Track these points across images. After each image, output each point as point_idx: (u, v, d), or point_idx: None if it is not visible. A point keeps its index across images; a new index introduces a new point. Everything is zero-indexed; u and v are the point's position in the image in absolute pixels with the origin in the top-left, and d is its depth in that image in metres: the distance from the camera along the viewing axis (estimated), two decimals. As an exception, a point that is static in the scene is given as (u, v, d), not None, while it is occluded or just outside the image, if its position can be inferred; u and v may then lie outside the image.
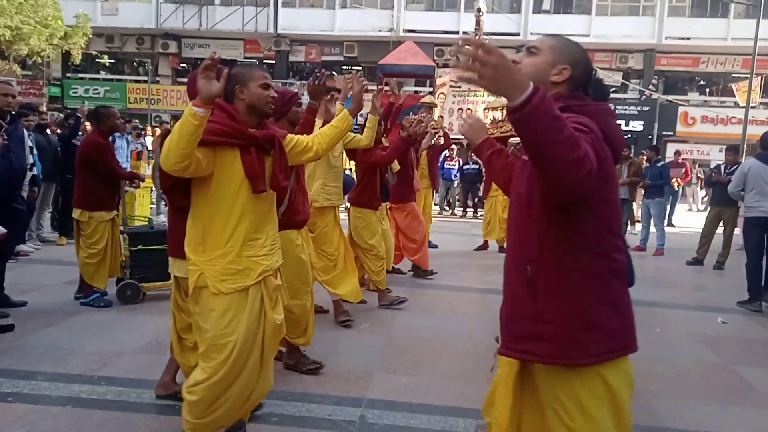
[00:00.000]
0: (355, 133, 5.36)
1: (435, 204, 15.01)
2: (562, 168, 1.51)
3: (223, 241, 2.65)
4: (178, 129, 2.38)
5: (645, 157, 10.64)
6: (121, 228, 5.65)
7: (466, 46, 1.43)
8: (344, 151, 5.44)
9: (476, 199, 15.21)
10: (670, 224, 13.24)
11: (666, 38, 25.21)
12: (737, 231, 11.74)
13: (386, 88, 6.05)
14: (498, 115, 10.08)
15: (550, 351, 1.78)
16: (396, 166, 6.23)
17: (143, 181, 6.05)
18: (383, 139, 6.04)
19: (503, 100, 7.22)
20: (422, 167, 9.07)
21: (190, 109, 2.37)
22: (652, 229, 10.31)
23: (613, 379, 1.80)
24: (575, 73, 1.91)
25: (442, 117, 14.61)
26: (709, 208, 9.78)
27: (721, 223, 9.21)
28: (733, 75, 26.19)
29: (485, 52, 1.42)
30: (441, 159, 14.76)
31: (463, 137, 3.43)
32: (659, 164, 10.45)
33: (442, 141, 9.75)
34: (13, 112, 5.18)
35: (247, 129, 2.72)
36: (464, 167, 15.34)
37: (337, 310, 5.19)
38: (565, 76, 1.90)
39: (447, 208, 16.07)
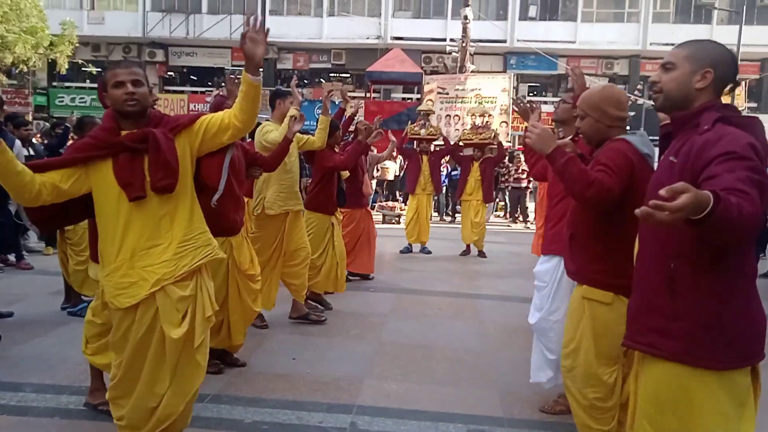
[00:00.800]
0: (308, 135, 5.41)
1: (435, 211, 15.09)
2: (737, 241, 1.65)
3: (114, 255, 2.57)
4: None
5: None
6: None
7: (658, 216, 1.45)
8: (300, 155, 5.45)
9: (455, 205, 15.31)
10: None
11: (651, 44, 25.50)
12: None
13: (333, 91, 6.06)
14: (478, 121, 10.16)
15: (677, 348, 1.79)
16: (345, 173, 6.21)
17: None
18: (336, 146, 6.01)
19: (484, 107, 7.32)
20: (425, 173, 9.13)
21: None
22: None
23: (729, 391, 1.79)
24: (719, 73, 1.92)
25: (438, 126, 14.66)
26: None
27: None
28: (717, 80, 26.47)
29: (678, 210, 1.44)
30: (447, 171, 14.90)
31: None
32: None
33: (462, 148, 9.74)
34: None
35: (112, 135, 2.56)
36: (452, 173, 15.39)
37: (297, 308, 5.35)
38: (708, 80, 1.91)
39: (436, 213, 16.09)
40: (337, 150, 6.00)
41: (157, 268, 2.56)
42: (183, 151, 2.64)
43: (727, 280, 1.77)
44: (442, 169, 15.55)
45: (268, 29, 2.65)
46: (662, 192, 1.46)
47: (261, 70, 2.72)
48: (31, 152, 7.55)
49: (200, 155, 2.75)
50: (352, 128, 7.04)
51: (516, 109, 3.97)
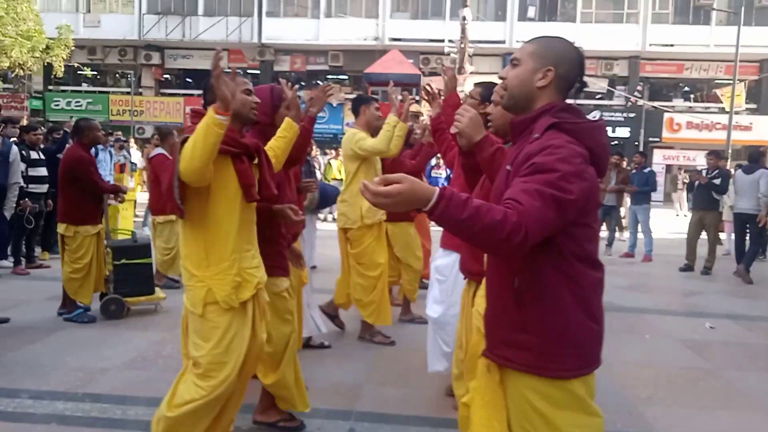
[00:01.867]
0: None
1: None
2: (489, 247, 1.68)
3: (227, 253, 2.60)
4: (202, 138, 2.35)
5: (634, 163, 10.73)
6: (105, 242, 5.62)
7: (366, 193, 1.54)
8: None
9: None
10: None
11: (650, 45, 25.59)
12: (723, 236, 11.93)
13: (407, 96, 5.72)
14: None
15: (528, 360, 1.80)
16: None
17: (125, 193, 6.02)
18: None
19: (418, 108, 6.92)
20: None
21: (213, 118, 2.34)
22: (640, 235, 10.40)
23: (582, 393, 1.83)
24: (561, 72, 1.87)
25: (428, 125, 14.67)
26: (691, 213, 9.96)
27: (704, 228, 9.35)
28: (717, 81, 26.58)
29: (380, 195, 1.54)
30: (428, 168, 14.83)
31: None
32: (646, 170, 10.56)
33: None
34: None
35: (237, 137, 2.67)
36: (452, 176, 15.39)
37: (368, 327, 5.11)
38: (549, 78, 1.86)
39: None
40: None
41: (254, 272, 2.69)
42: None
43: (570, 291, 1.78)
44: (440, 171, 15.68)
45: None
46: (376, 178, 1.56)
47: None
48: (41, 156, 7.57)
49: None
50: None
51: (425, 96, 3.77)
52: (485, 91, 3.34)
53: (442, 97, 3.72)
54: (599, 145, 1.83)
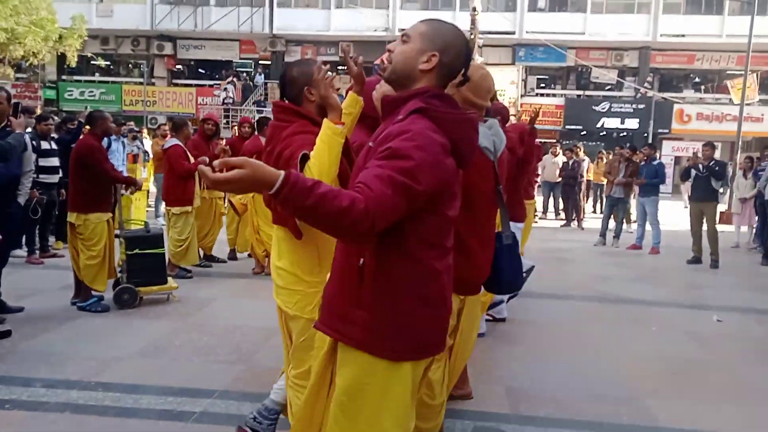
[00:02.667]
0: None
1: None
2: (334, 233, 1.67)
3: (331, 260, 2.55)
4: (328, 153, 2.31)
5: (643, 155, 10.65)
6: (117, 231, 5.66)
7: (205, 178, 1.52)
8: None
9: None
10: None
11: (661, 36, 25.30)
12: (727, 228, 11.86)
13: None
14: None
15: (356, 335, 1.81)
16: None
17: (140, 188, 6.05)
18: None
19: None
20: None
21: (333, 128, 2.30)
22: (648, 227, 10.33)
23: (400, 382, 1.83)
24: (445, 60, 1.83)
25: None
26: (689, 205, 9.91)
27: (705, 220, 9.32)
28: (728, 72, 26.28)
29: (218, 182, 1.51)
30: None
31: None
32: (655, 162, 10.47)
33: None
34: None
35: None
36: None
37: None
38: (433, 63, 1.82)
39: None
40: None
41: None
42: None
43: (412, 274, 1.78)
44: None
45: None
46: (216, 162, 1.52)
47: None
48: (53, 146, 7.60)
49: None
50: None
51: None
52: None
53: None
54: (464, 138, 1.82)
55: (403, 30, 1.96)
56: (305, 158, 2.39)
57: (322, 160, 2.32)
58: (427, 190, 1.68)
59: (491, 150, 2.69)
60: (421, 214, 1.73)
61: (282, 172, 1.54)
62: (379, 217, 1.59)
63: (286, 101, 2.71)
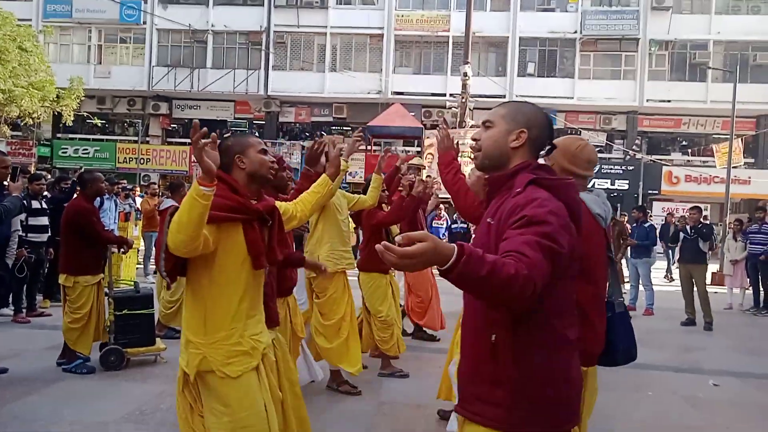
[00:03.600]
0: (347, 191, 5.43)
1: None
2: (502, 301, 1.66)
3: (227, 322, 2.49)
4: (187, 210, 2.26)
5: (634, 218, 10.81)
6: (106, 291, 5.60)
7: (387, 256, 1.52)
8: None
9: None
10: None
11: (647, 101, 25.97)
12: (720, 289, 11.89)
13: (391, 149, 6.00)
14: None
15: (497, 416, 1.79)
16: (396, 229, 6.12)
17: (131, 247, 6.03)
18: (383, 205, 5.84)
19: (420, 160, 7.13)
20: (421, 225, 9.11)
21: (197, 189, 2.26)
22: (641, 288, 10.34)
23: None
24: (532, 134, 1.96)
25: (430, 176, 14.81)
26: (678, 267, 10.02)
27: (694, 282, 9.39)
28: (714, 136, 26.88)
29: (406, 256, 1.51)
30: (429, 218, 14.86)
31: (449, 197, 3.45)
32: (646, 225, 10.58)
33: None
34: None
35: (250, 202, 2.58)
36: (452, 226, 15.44)
37: (336, 377, 5.07)
38: (522, 140, 1.95)
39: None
40: (385, 208, 5.86)
41: (260, 337, 2.60)
42: None
43: (548, 349, 1.79)
44: (441, 222, 15.74)
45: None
46: (398, 238, 1.52)
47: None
48: (43, 205, 7.60)
49: None
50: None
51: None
52: None
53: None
54: (575, 202, 1.90)
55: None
56: (174, 211, 2.39)
57: (181, 217, 2.28)
58: (566, 254, 1.73)
59: (603, 217, 2.76)
60: (554, 281, 1.74)
61: (455, 246, 1.54)
62: (539, 281, 1.62)
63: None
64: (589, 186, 2.93)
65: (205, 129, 2.28)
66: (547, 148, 2.03)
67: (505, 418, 1.78)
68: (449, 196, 3.62)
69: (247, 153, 2.60)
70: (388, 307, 5.53)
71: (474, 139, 2.05)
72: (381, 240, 5.54)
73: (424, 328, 7.19)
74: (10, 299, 7.44)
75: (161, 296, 6.68)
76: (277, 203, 2.85)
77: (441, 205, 14.82)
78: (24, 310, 7.48)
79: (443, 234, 15.60)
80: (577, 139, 2.90)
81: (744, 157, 23.25)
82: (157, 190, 12.77)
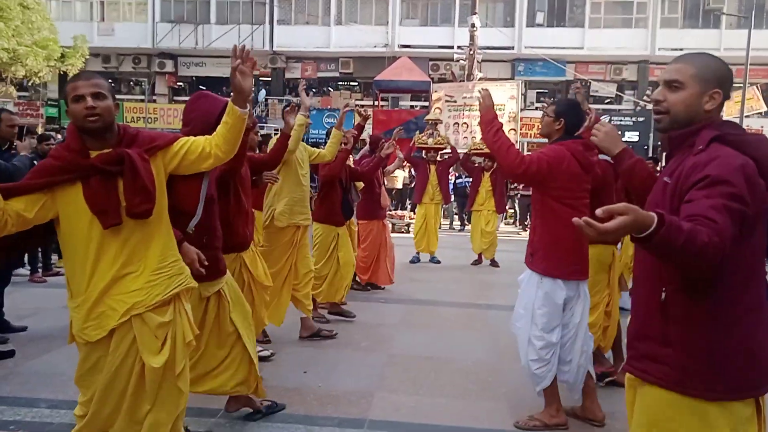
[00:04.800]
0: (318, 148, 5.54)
1: (446, 218, 15.17)
2: (693, 266, 1.63)
3: (84, 286, 2.40)
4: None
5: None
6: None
7: (587, 231, 1.50)
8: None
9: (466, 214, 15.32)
10: None
11: (659, 49, 25.43)
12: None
13: (350, 103, 6.31)
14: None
15: (669, 375, 1.76)
16: (360, 184, 6.33)
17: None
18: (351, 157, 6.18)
19: (437, 115, 7.17)
20: (432, 182, 9.19)
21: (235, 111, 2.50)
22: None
23: (723, 422, 1.73)
24: (726, 92, 1.86)
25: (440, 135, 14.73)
26: None
27: None
28: (727, 84, 26.40)
29: (607, 232, 1.49)
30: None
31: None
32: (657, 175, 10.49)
33: (446, 156, 9.91)
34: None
35: (80, 157, 2.35)
36: (457, 181, 15.40)
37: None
38: (718, 101, 1.84)
39: (446, 222, 16.12)
40: (351, 162, 6.09)
41: (127, 297, 2.40)
42: (158, 173, 2.48)
43: (722, 310, 1.72)
44: (450, 178, 15.72)
45: (254, 61, 2.58)
46: (598, 211, 1.49)
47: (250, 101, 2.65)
48: None
49: (174, 178, 2.63)
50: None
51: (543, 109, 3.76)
52: (559, 107, 3.55)
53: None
54: (764, 155, 1.78)
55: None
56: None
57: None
58: (753, 213, 1.68)
59: None
60: (738, 243, 1.68)
61: (654, 215, 1.52)
62: (728, 246, 1.59)
63: None
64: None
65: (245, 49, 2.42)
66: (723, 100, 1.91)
67: (676, 378, 1.74)
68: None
69: (68, 104, 2.41)
70: (321, 264, 5.67)
71: (658, 100, 1.91)
72: (333, 193, 5.69)
73: (368, 283, 7.28)
74: (26, 259, 7.54)
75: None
76: (184, 140, 2.58)
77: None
78: (40, 270, 7.60)
79: (451, 190, 15.59)
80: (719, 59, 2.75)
81: (765, 105, 22.77)
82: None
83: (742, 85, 20.52)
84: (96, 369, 2.48)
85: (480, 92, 3.53)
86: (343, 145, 5.58)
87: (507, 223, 16.36)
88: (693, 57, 1.91)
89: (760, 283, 1.78)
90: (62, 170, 2.33)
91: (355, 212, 6.38)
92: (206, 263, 2.89)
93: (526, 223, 14.95)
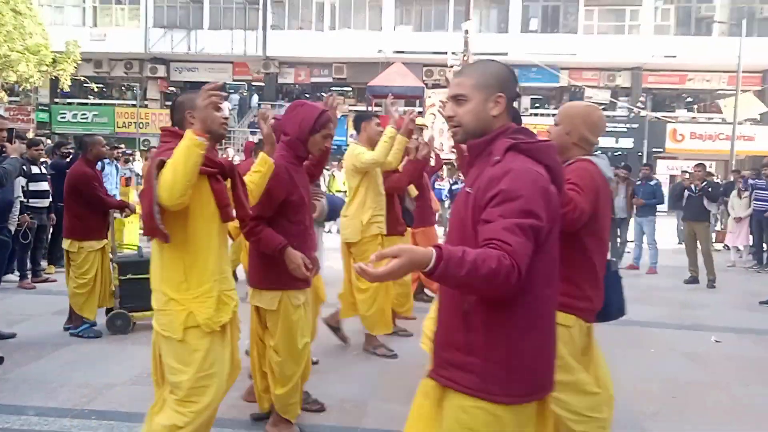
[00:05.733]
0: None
1: (440, 225, 15.13)
2: (488, 293, 1.72)
3: (208, 276, 2.60)
4: (183, 160, 2.33)
5: (641, 174, 10.72)
6: (111, 256, 5.64)
7: (367, 276, 1.59)
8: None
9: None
10: None
11: (652, 56, 25.58)
12: (721, 246, 11.94)
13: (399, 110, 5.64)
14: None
15: (473, 382, 1.80)
16: (413, 191, 6.12)
17: (133, 211, 6.04)
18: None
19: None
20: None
21: (193, 139, 2.34)
22: (645, 246, 10.36)
23: (518, 424, 1.82)
24: (509, 95, 1.92)
25: (433, 137, 14.75)
26: (683, 225, 10.01)
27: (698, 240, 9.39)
28: (719, 91, 26.59)
29: (380, 278, 1.60)
30: (432, 180, 14.87)
31: (452, 158, 3.49)
32: (652, 183, 10.53)
33: (432, 162, 9.83)
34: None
35: (214, 156, 2.68)
36: (453, 187, 15.43)
37: (372, 341, 5.16)
38: (502, 105, 1.90)
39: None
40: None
41: (232, 294, 2.72)
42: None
43: (519, 318, 1.78)
44: (442, 183, 15.74)
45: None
46: (372, 256, 1.59)
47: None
48: (43, 170, 7.58)
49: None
50: None
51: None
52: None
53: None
54: (554, 162, 1.88)
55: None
56: (161, 165, 2.42)
57: (176, 167, 2.33)
58: (546, 225, 1.74)
59: (612, 179, 2.83)
60: (534, 254, 1.74)
61: (432, 250, 1.59)
62: (522, 266, 1.65)
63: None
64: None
65: (217, 83, 2.44)
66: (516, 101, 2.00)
67: (479, 385, 1.79)
68: (451, 157, 3.64)
69: (198, 109, 2.53)
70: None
71: (449, 117, 1.96)
72: (394, 201, 5.55)
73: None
74: (15, 265, 7.49)
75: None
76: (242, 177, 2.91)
77: (443, 167, 14.78)
78: (29, 276, 7.54)
79: (445, 195, 15.61)
80: (595, 108, 2.93)
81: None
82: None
83: (734, 92, 20.67)
84: (215, 364, 2.61)
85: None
86: (414, 155, 5.37)
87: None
88: (471, 67, 1.98)
89: (552, 290, 1.87)
90: (206, 162, 2.55)
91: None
92: (311, 266, 3.19)
93: None
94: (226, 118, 2.71)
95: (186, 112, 2.64)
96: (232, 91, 27.89)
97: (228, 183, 2.77)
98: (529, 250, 1.69)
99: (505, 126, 1.90)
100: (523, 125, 1.95)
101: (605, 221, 2.74)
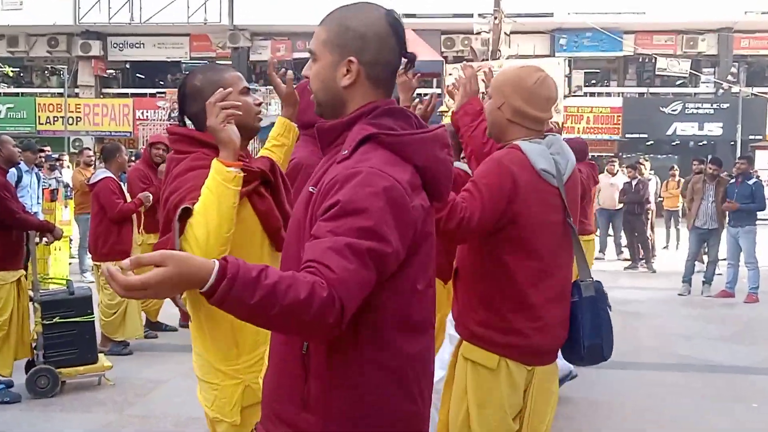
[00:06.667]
0: None
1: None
2: (296, 333, 1.69)
3: (264, 334, 2.37)
4: (216, 207, 2.21)
5: (736, 170, 10.59)
6: (31, 294, 5.65)
7: (113, 283, 1.47)
8: None
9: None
10: None
11: (746, 13, 25.56)
12: None
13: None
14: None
15: None
16: None
17: (59, 237, 6.03)
18: None
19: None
20: None
21: (224, 173, 2.22)
22: (742, 267, 10.32)
23: None
24: (366, 59, 1.80)
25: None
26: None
27: None
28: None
29: (133, 288, 1.46)
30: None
31: None
32: (750, 181, 10.45)
33: None
34: None
35: (246, 162, 2.46)
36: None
37: None
38: (354, 73, 1.79)
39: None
40: None
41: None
42: None
43: (374, 360, 1.75)
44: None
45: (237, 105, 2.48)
46: (125, 262, 1.46)
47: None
48: None
49: None
50: None
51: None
52: None
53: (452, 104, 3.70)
54: (434, 161, 1.80)
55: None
56: (187, 213, 2.26)
57: (208, 219, 2.21)
58: (399, 250, 1.67)
59: (552, 173, 2.75)
60: (388, 283, 1.71)
61: (216, 262, 1.49)
62: (347, 300, 1.57)
63: (184, 124, 2.64)
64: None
65: (230, 90, 2.32)
66: (405, 65, 1.89)
67: None
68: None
69: (212, 130, 2.40)
70: None
71: (305, 77, 1.92)
72: None
73: None
74: None
75: (100, 301, 6.71)
76: None
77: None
78: None
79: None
80: (534, 69, 2.85)
81: None
82: (93, 159, 12.83)
83: None
84: None
85: (462, 68, 3.41)
86: None
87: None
88: (334, 14, 1.87)
89: (415, 338, 1.82)
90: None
91: None
92: None
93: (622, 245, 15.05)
94: (260, 104, 2.60)
95: (208, 103, 2.39)
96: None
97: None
98: (364, 281, 1.62)
99: (370, 105, 1.81)
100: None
101: (537, 228, 2.67)
